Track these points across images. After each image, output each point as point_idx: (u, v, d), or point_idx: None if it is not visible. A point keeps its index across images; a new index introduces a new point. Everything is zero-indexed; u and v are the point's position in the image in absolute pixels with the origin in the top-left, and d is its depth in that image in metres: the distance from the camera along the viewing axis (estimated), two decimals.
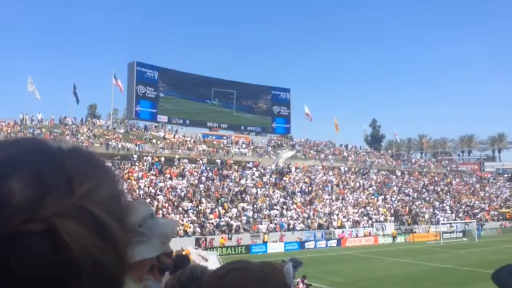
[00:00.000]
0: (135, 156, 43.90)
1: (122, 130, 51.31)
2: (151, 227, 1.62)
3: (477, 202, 59.22)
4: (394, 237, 44.05)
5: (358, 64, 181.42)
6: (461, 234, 47.10)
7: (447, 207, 54.99)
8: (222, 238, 35.41)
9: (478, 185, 66.87)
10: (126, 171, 40.84)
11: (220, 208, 39.86)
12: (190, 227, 35.35)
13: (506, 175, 76.12)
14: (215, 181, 44.49)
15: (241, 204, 41.46)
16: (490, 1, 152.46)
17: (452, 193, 60.81)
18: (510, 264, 0.87)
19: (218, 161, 48.67)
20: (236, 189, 44.05)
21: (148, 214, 1.64)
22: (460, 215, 53.48)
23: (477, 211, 56.13)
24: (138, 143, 46.34)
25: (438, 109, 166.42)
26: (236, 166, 49.09)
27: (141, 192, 38.15)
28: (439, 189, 60.71)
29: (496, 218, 55.84)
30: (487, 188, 66.43)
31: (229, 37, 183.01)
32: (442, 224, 46.57)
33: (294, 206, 44.41)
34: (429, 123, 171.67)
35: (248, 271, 1.03)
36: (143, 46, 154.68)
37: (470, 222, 49.10)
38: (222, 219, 38.02)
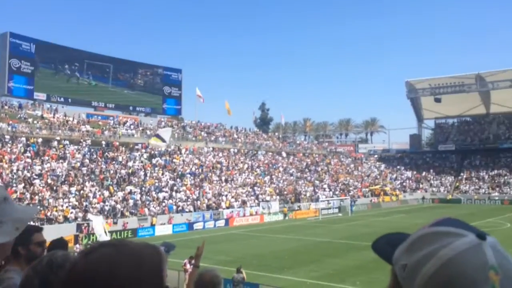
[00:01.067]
0: (7, 136, 39.88)
1: None
2: (4, 212, 1.56)
3: (351, 181, 65.19)
4: (285, 214, 46.75)
5: (250, 48, 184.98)
6: (337, 210, 51.51)
7: (326, 186, 59.66)
8: (106, 223, 34.03)
9: (352, 165, 73.57)
10: None
11: (105, 191, 38.23)
12: (71, 213, 33.40)
13: (376, 156, 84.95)
14: (99, 164, 42.44)
15: (129, 187, 40.25)
16: None
17: (331, 172, 66.10)
18: (387, 233, 0.97)
19: (104, 142, 46.43)
20: (123, 172, 42.58)
21: (1, 198, 1.57)
22: (337, 192, 58.47)
23: (351, 188, 61.88)
24: (11, 122, 42.11)
25: (322, 93, 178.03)
26: (123, 148, 47.31)
27: (15, 176, 34.89)
28: (319, 169, 65.49)
29: (366, 194, 62.18)
30: (360, 168, 73.47)
31: (124, 15, 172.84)
32: (321, 201, 50.44)
33: (184, 188, 44.43)
34: (313, 107, 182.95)
35: (125, 247, 0.96)
36: (19, 17, 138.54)
37: (345, 198, 54.05)
38: (107, 203, 36.57)
